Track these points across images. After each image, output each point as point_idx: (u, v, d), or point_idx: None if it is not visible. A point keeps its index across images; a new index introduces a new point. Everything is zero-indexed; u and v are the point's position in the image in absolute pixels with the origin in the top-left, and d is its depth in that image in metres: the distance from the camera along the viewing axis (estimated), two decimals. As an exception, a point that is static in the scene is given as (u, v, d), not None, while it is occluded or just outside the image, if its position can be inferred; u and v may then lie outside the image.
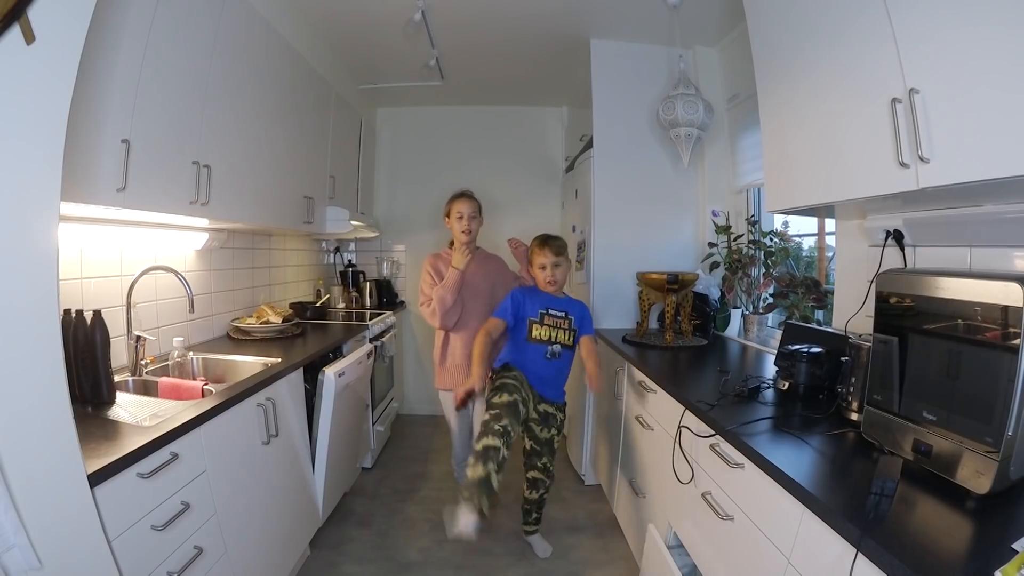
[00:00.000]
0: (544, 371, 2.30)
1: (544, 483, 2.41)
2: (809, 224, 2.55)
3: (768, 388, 1.75)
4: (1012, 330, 0.94)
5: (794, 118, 1.66)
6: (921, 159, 1.13)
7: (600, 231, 3.09)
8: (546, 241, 2.36)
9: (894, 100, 1.18)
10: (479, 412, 2.49)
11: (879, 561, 0.85)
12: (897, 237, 1.60)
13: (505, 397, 2.13)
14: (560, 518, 2.73)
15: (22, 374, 1.01)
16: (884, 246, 1.62)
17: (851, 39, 1.36)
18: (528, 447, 2.39)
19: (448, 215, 2.55)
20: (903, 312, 1.21)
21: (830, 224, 2.32)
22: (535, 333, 2.30)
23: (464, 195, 2.57)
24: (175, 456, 1.36)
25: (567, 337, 2.32)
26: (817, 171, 1.55)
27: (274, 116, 2.50)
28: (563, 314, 2.33)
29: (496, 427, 1.99)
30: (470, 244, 2.52)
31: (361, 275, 4.22)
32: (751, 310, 2.65)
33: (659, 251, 3.10)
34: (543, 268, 2.33)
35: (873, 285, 1.32)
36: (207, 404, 1.55)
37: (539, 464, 2.38)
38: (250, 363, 2.17)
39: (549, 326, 2.31)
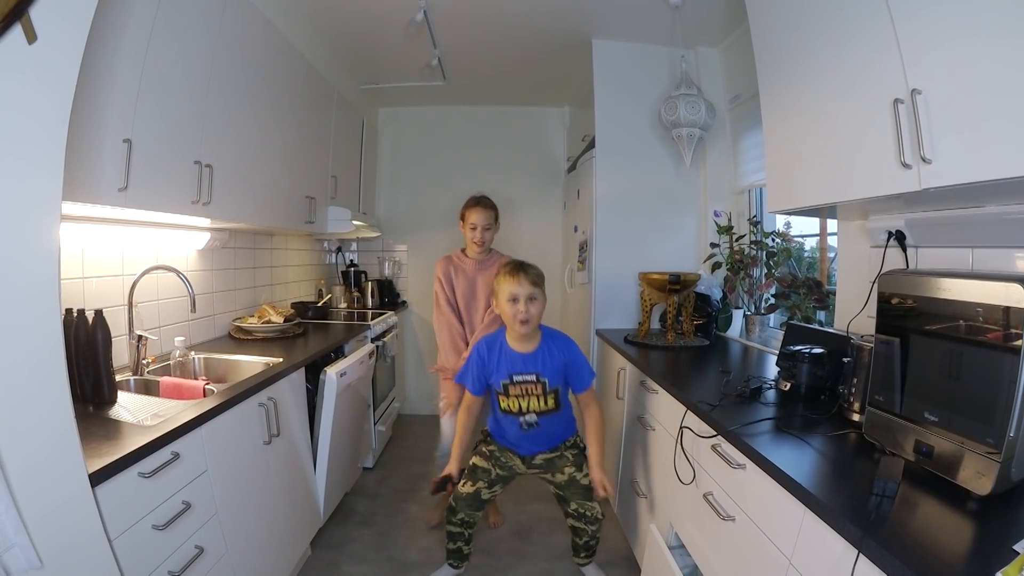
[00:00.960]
0: (525, 441, 2.03)
1: (583, 531, 2.11)
2: (811, 224, 2.55)
3: (770, 389, 1.75)
4: (1014, 331, 0.94)
5: (796, 118, 1.66)
6: (923, 160, 1.13)
7: (602, 231, 3.09)
8: (520, 267, 1.97)
9: (896, 101, 1.18)
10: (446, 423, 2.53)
11: (880, 562, 0.85)
12: (899, 238, 1.59)
13: (468, 487, 2.07)
14: (560, 518, 2.73)
15: (23, 373, 1.01)
16: (886, 247, 1.62)
17: (852, 41, 1.36)
18: (553, 493, 2.17)
19: (463, 220, 2.50)
20: (905, 313, 1.20)
21: (832, 225, 2.32)
22: (503, 405, 2.00)
23: (480, 203, 2.45)
24: (176, 456, 1.37)
25: (542, 403, 1.97)
26: (819, 172, 1.54)
27: (276, 116, 2.51)
28: (533, 377, 1.95)
29: (452, 523, 2.11)
30: (483, 252, 2.50)
31: (363, 275, 4.23)
32: (753, 310, 2.64)
33: (661, 251, 3.10)
34: (514, 301, 1.91)
35: (875, 286, 1.31)
36: (208, 404, 1.56)
37: (570, 510, 2.10)
38: (252, 363, 2.17)
39: (516, 396, 1.97)
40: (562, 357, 1.98)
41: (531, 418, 1.98)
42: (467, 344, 2.47)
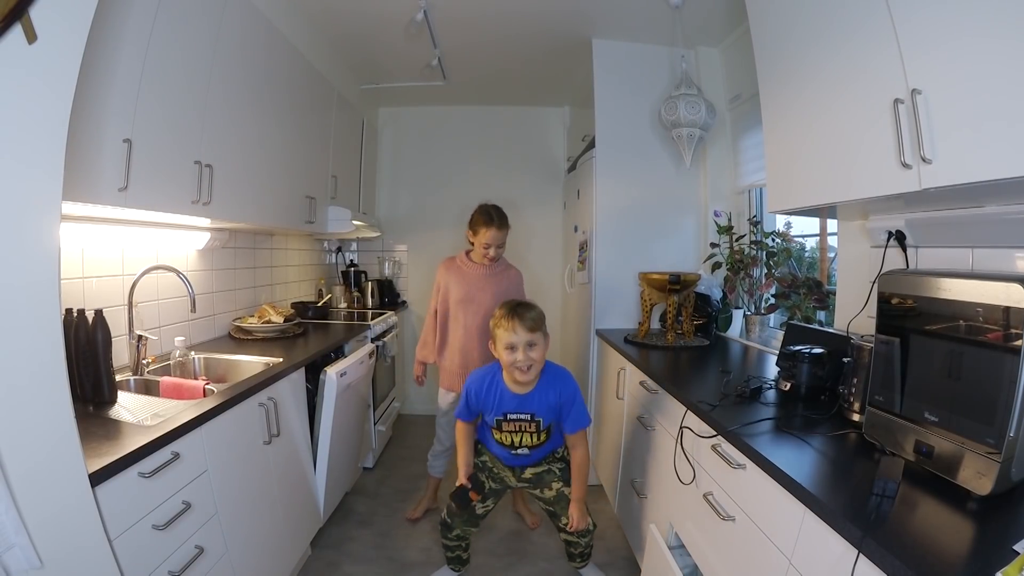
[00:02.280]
0: (513, 460, 2.06)
1: (576, 544, 2.15)
2: (811, 224, 2.55)
3: (770, 389, 1.75)
4: (1014, 331, 0.94)
5: (796, 118, 1.66)
6: (923, 160, 1.13)
7: (602, 231, 3.09)
8: (515, 312, 1.83)
9: (896, 100, 1.18)
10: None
11: (880, 562, 0.85)
12: (899, 238, 1.59)
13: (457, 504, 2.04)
14: (561, 518, 2.74)
15: (23, 373, 1.01)
16: (886, 247, 1.62)
17: (852, 41, 1.36)
18: (543, 509, 2.19)
19: (474, 233, 2.50)
20: (905, 313, 1.20)
21: (832, 225, 2.32)
22: (496, 437, 2.01)
23: (494, 224, 2.43)
24: (176, 456, 1.37)
25: (534, 439, 1.97)
26: (819, 172, 1.54)
27: (276, 115, 2.51)
28: (528, 417, 1.92)
29: (448, 538, 2.15)
30: (493, 263, 2.56)
31: (363, 275, 4.23)
32: (753, 311, 2.64)
33: (661, 251, 3.10)
34: (511, 349, 1.81)
35: (875, 286, 1.31)
36: (208, 404, 1.56)
37: (562, 524, 2.09)
38: (252, 363, 2.17)
39: (509, 432, 1.96)
40: (558, 397, 1.92)
41: (523, 451, 2.01)
42: (435, 346, 2.63)
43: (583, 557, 2.22)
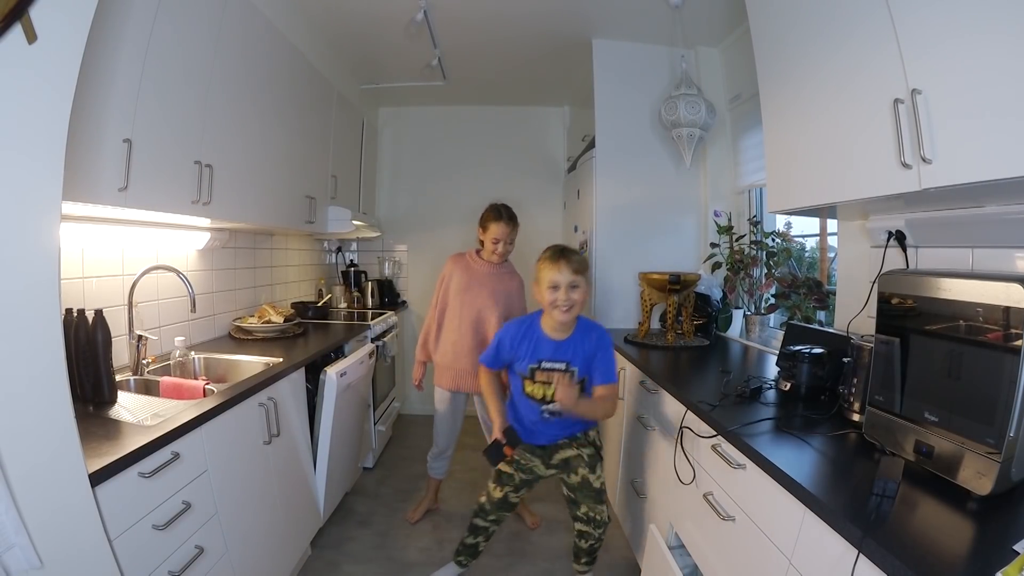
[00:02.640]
0: (545, 428, 1.99)
1: (590, 535, 2.07)
2: (811, 224, 2.55)
3: (770, 389, 1.75)
4: (1014, 331, 0.94)
5: (796, 118, 1.66)
6: (923, 160, 1.13)
7: (602, 231, 3.09)
8: (562, 253, 1.86)
9: (896, 100, 1.18)
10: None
11: (880, 562, 0.85)
12: (899, 238, 1.60)
13: (497, 492, 2.08)
14: (561, 518, 2.73)
15: (23, 373, 1.01)
16: (886, 247, 1.62)
17: (852, 40, 1.36)
18: (565, 495, 2.12)
19: (484, 229, 2.54)
20: (905, 313, 1.20)
21: (832, 225, 2.32)
22: (527, 389, 1.95)
23: (502, 218, 2.50)
24: (176, 456, 1.37)
25: None
26: (819, 172, 1.54)
27: (276, 115, 2.50)
28: (563, 366, 1.89)
29: (485, 521, 2.16)
30: (501, 260, 2.58)
31: (363, 275, 4.23)
32: (753, 311, 2.64)
33: (661, 251, 3.11)
34: (555, 288, 1.82)
35: (875, 286, 1.31)
36: (208, 404, 1.56)
37: (579, 514, 2.06)
38: (252, 363, 2.17)
39: (542, 383, 1.91)
40: (593, 347, 1.90)
41: (555, 407, 1.86)
42: (429, 348, 2.64)
43: (590, 555, 2.12)
